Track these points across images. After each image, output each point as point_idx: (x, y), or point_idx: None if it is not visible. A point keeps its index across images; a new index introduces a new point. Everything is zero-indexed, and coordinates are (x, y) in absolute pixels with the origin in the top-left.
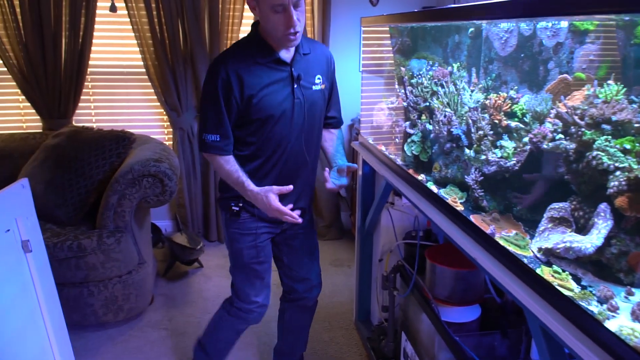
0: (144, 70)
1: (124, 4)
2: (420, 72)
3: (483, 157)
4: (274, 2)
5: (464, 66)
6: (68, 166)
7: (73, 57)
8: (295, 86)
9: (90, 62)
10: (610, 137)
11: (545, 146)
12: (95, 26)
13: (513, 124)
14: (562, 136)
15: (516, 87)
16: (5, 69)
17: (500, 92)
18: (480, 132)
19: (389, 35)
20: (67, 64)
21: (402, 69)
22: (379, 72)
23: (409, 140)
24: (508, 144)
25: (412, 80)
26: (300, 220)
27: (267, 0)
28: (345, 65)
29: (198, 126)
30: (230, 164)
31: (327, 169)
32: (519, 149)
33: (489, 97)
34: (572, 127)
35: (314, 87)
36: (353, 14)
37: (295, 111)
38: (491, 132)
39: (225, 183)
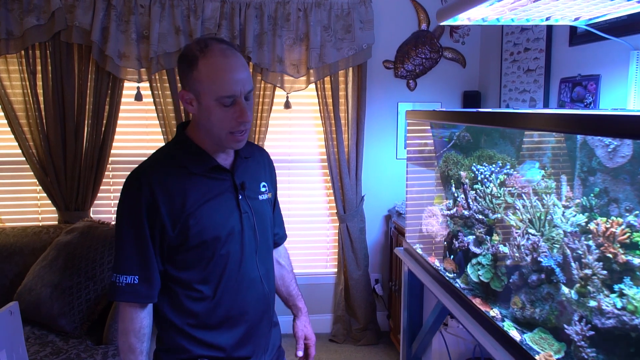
0: None
1: (149, 92)
2: (486, 177)
3: (593, 302)
4: (221, 92)
5: (549, 174)
6: (78, 267)
7: (94, 146)
8: (240, 197)
9: (112, 152)
10: None
11: None
12: (120, 114)
13: (637, 260)
14: None
15: (636, 212)
16: (24, 158)
17: (610, 216)
18: (588, 271)
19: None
20: (87, 154)
21: (462, 173)
22: (428, 167)
23: (473, 261)
24: (634, 293)
25: (476, 186)
26: None
27: (213, 92)
28: (381, 152)
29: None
30: (141, 322)
31: (296, 321)
32: None
33: (594, 220)
34: None
35: (260, 197)
36: (389, 98)
37: (245, 228)
38: (603, 271)
39: (172, 328)
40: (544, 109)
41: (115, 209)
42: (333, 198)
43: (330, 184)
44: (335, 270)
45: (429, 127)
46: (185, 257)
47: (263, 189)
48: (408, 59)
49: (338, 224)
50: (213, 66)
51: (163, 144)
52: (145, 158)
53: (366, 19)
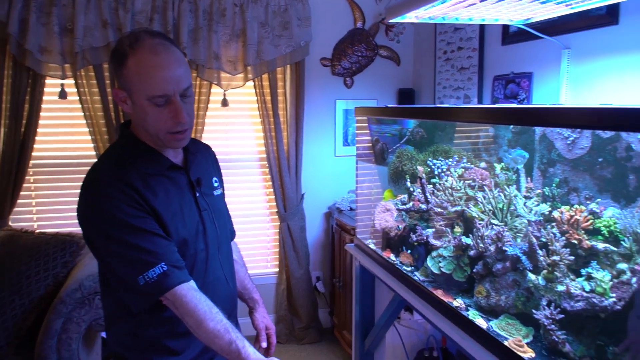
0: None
1: (75, 90)
2: (443, 171)
3: (561, 287)
4: (152, 92)
5: (507, 167)
6: (1, 281)
7: (13, 149)
8: (198, 194)
9: (34, 154)
10: None
11: None
12: (41, 114)
13: (600, 245)
14: None
15: (598, 200)
16: None
17: (572, 204)
18: (556, 257)
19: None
20: (5, 157)
21: (420, 168)
22: (377, 162)
23: (434, 253)
24: (601, 276)
25: (434, 180)
26: None
27: (143, 91)
28: (319, 149)
29: (124, 280)
30: (205, 300)
31: (255, 314)
32: (616, 282)
33: (557, 208)
34: None
35: (215, 193)
36: (327, 96)
37: (207, 226)
38: (571, 256)
39: (141, 343)
40: (482, 104)
41: (37, 215)
42: (273, 197)
43: (270, 183)
44: (277, 270)
45: (367, 124)
46: None
47: (216, 184)
48: (345, 56)
49: (279, 223)
50: (142, 64)
51: (91, 144)
52: (72, 159)
53: (303, 16)
